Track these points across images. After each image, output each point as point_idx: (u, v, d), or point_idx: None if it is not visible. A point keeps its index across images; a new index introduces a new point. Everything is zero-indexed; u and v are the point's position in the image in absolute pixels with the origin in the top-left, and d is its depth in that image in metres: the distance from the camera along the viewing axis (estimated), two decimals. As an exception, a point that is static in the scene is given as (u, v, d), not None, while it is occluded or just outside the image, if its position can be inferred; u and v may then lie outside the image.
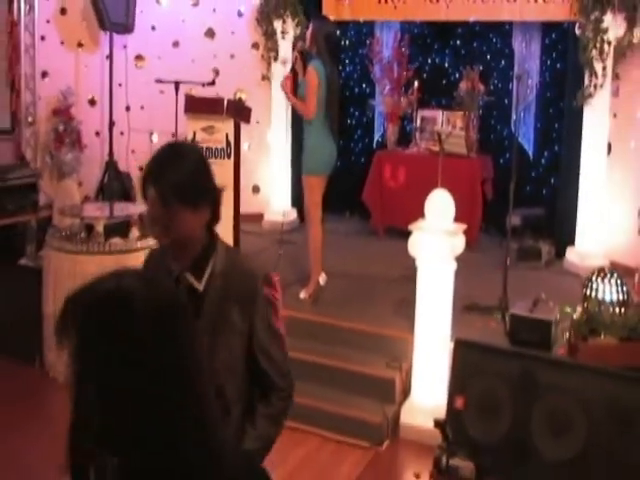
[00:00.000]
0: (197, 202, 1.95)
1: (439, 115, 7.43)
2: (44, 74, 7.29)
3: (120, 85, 7.33)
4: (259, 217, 7.44)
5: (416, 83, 7.55)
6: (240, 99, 7.21)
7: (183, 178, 1.93)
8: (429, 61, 8.16)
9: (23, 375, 5.28)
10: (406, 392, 4.60)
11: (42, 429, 4.67)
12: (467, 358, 3.94)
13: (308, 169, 5.33)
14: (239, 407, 2.07)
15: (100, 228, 5.38)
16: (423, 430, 4.25)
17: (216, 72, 7.56)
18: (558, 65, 7.32)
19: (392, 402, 4.56)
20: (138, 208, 6.21)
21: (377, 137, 8.38)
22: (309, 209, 5.40)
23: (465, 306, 5.13)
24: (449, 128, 7.12)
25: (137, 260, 4.62)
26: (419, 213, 4.45)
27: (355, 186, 7.44)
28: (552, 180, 7.25)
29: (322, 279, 5.42)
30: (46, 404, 5.19)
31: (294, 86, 5.39)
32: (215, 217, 2.04)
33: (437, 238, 4.34)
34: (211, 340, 1.95)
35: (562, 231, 6.61)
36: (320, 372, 4.66)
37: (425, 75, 8.02)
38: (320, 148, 5.30)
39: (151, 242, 5.40)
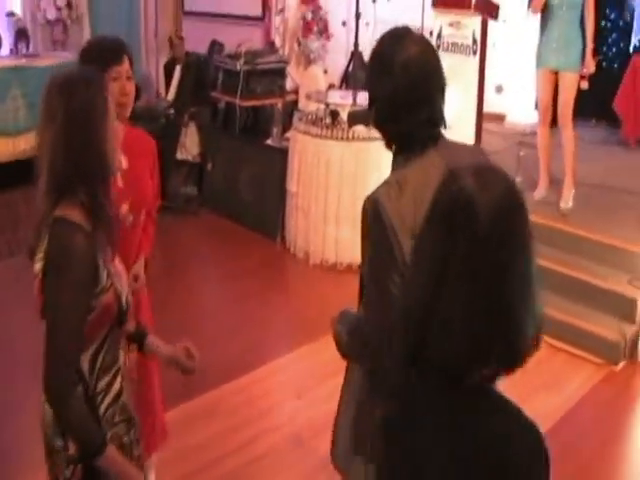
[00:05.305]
0: None
1: None
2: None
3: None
4: (501, 117, 7.18)
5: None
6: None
7: None
8: None
9: (265, 248, 5.64)
10: (647, 314, 4.32)
11: (278, 297, 5.01)
12: None
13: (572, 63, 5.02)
14: None
15: (344, 115, 5.47)
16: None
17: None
18: None
19: (632, 322, 4.30)
20: (381, 99, 6.23)
21: (635, 41, 7.66)
22: (569, 109, 5.03)
23: None
24: None
25: (379, 149, 4.64)
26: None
27: (604, 93, 6.90)
28: None
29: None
30: (284, 275, 5.54)
31: None
32: None
33: None
34: None
35: None
36: (557, 280, 4.48)
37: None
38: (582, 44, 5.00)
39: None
